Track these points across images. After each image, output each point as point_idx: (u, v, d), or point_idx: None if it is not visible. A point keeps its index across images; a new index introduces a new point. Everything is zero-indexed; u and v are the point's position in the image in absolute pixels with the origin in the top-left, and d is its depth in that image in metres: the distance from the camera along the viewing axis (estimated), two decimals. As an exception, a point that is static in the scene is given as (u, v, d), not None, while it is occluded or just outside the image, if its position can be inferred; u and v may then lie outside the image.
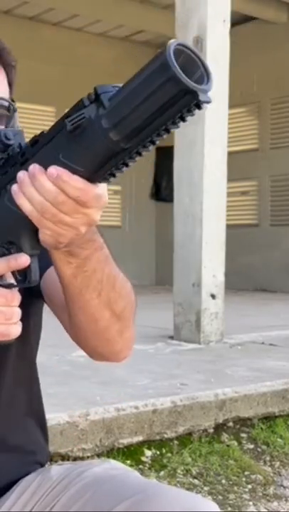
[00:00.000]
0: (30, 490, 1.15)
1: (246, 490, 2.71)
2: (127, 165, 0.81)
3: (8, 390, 1.17)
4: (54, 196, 0.82)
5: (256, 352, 4.46)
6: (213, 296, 4.78)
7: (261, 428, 3.19)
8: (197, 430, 3.01)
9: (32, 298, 1.14)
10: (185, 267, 4.86)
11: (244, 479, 2.78)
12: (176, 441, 2.92)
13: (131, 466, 2.63)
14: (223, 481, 2.74)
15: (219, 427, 3.10)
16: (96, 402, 2.78)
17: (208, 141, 4.74)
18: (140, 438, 2.80)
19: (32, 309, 1.17)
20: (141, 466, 2.72)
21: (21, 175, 0.85)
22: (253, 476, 2.81)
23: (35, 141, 0.86)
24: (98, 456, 2.67)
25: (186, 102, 0.74)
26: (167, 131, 0.77)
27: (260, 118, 10.76)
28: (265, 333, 5.25)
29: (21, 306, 1.04)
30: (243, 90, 10.03)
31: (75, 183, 0.81)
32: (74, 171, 0.81)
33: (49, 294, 1.13)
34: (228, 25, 4.89)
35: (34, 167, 0.83)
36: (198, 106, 0.75)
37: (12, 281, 0.94)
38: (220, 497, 2.60)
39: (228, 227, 5.09)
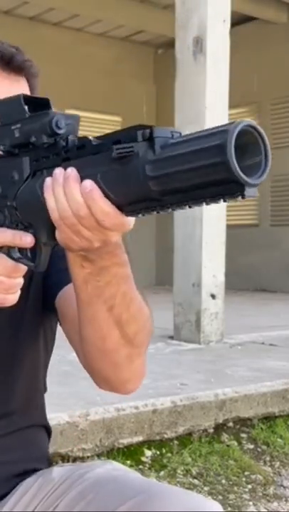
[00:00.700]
0: (32, 492, 1.14)
1: (246, 490, 2.71)
2: (158, 212, 0.80)
3: (16, 390, 1.17)
4: (78, 208, 0.82)
5: (256, 352, 4.46)
6: (213, 296, 4.78)
7: (261, 428, 3.19)
8: (197, 430, 3.01)
9: (45, 311, 1.14)
10: (185, 267, 4.86)
11: (244, 479, 2.78)
12: (176, 442, 2.92)
13: (131, 466, 2.63)
14: (223, 481, 2.74)
15: (219, 427, 3.10)
16: (96, 402, 2.78)
17: (208, 141, 4.74)
18: (140, 438, 2.80)
19: (46, 322, 1.16)
20: (141, 466, 2.72)
21: (58, 172, 0.84)
22: (253, 476, 2.81)
23: (82, 144, 0.85)
24: (98, 456, 2.67)
25: (232, 190, 0.72)
26: (206, 202, 0.76)
27: (260, 118, 10.75)
28: (265, 333, 5.25)
29: (33, 320, 1.05)
30: (243, 90, 10.03)
31: (104, 205, 0.81)
32: (106, 195, 0.80)
33: (63, 312, 1.12)
34: (228, 25, 4.88)
35: (72, 171, 0.83)
36: (243, 196, 0.73)
37: (19, 255, 0.94)
38: (220, 497, 2.60)
39: (228, 227, 5.08)
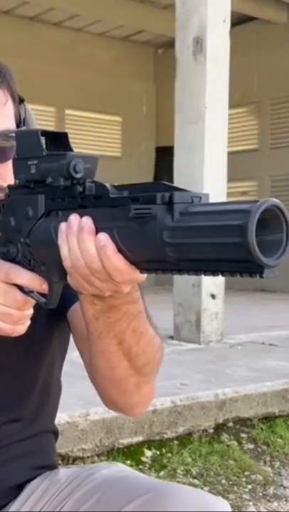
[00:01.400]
0: (38, 493, 1.14)
1: (246, 490, 2.71)
2: (173, 273, 0.79)
3: (34, 397, 1.17)
4: (91, 261, 0.81)
5: (256, 352, 4.46)
6: (213, 296, 4.78)
7: (261, 428, 3.19)
8: (197, 430, 3.01)
9: (59, 317, 1.14)
10: (185, 267, 4.85)
11: (244, 479, 2.78)
12: (176, 442, 2.92)
13: (131, 466, 2.63)
14: (223, 481, 2.74)
15: (219, 427, 3.10)
16: (96, 402, 2.76)
17: (209, 141, 4.74)
18: (140, 438, 2.80)
19: (60, 327, 1.16)
20: (141, 466, 2.72)
21: (73, 219, 0.83)
22: (253, 476, 2.81)
23: (99, 195, 0.83)
24: (98, 456, 2.67)
25: (250, 269, 0.71)
26: (222, 274, 0.74)
27: (260, 118, 10.76)
28: (265, 333, 5.25)
29: (47, 326, 1.07)
30: (243, 90, 10.03)
31: (117, 262, 0.80)
32: (121, 251, 0.80)
33: (74, 325, 1.12)
34: (228, 25, 4.88)
35: (87, 221, 0.81)
36: (261, 277, 0.72)
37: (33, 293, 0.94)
38: (220, 497, 2.60)
39: (228, 227, 5.07)
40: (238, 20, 9.43)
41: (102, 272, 0.81)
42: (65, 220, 0.84)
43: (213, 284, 4.78)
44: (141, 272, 0.82)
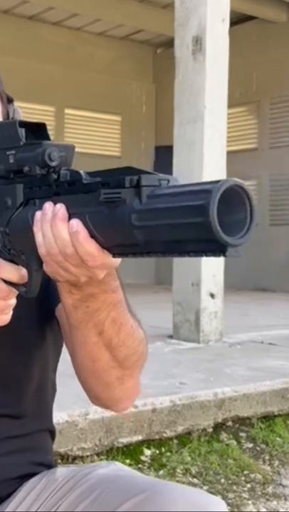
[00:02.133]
0: (36, 491, 1.14)
1: (245, 489, 2.71)
2: (143, 256, 0.80)
3: (30, 395, 1.17)
4: (65, 246, 0.83)
5: (255, 351, 4.47)
6: (212, 296, 4.78)
7: (260, 427, 3.19)
8: (196, 429, 3.01)
9: (49, 320, 1.15)
10: (184, 267, 4.86)
11: (243, 478, 2.79)
12: (175, 441, 2.93)
13: (130, 465, 2.63)
14: (223, 480, 2.74)
15: (218, 426, 3.11)
16: (95, 401, 2.78)
17: (208, 140, 4.74)
18: (139, 437, 2.80)
19: (52, 324, 1.17)
20: (140, 466, 2.73)
21: (47, 206, 0.85)
22: (252, 475, 2.81)
23: (72, 181, 0.86)
24: (97, 455, 2.67)
25: (213, 248, 0.73)
26: (188, 255, 0.76)
27: (259, 117, 10.76)
28: (265, 333, 5.25)
29: (39, 324, 1.08)
30: (242, 90, 10.04)
31: (89, 247, 0.81)
32: (93, 236, 0.81)
33: (61, 323, 1.13)
34: (228, 24, 4.89)
35: (60, 208, 0.83)
36: (224, 256, 0.73)
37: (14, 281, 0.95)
38: (219, 496, 2.60)
39: (228, 226, 5.08)
40: (238, 20, 9.44)
41: (75, 257, 0.83)
42: (41, 208, 0.86)
43: (212, 283, 4.78)
44: (113, 257, 0.83)
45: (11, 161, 0.91)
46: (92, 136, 11.25)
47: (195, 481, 2.71)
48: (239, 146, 10.39)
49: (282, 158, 10.35)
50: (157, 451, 2.84)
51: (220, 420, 3.10)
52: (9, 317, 0.97)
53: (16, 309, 0.97)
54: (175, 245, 0.75)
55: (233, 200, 0.73)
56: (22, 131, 0.91)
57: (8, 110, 1.11)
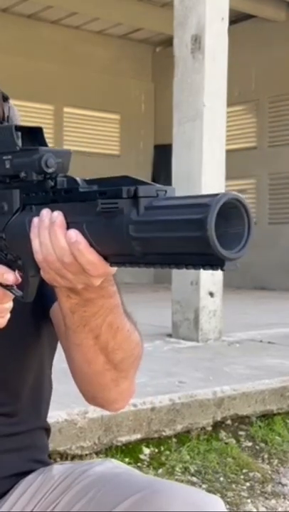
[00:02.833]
0: (32, 490, 1.14)
1: (244, 488, 2.71)
2: (140, 267, 0.80)
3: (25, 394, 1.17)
4: (62, 254, 0.83)
5: (254, 350, 4.47)
6: (211, 294, 4.78)
7: (259, 426, 3.19)
8: (195, 428, 3.01)
9: (44, 318, 1.15)
10: (183, 265, 4.86)
11: (242, 477, 2.79)
12: (174, 439, 2.93)
13: (129, 463, 2.63)
14: (222, 479, 2.74)
15: (217, 425, 3.11)
16: (94, 400, 2.78)
17: (207, 139, 4.74)
18: (138, 436, 2.80)
19: (45, 327, 1.17)
20: (139, 464, 2.73)
21: (44, 213, 0.85)
22: (251, 474, 2.82)
23: (69, 189, 0.85)
24: (96, 454, 2.67)
25: (211, 262, 0.73)
26: (186, 268, 0.76)
27: (258, 116, 10.76)
28: (264, 331, 5.25)
29: (34, 322, 1.08)
30: (241, 88, 10.03)
31: (90, 256, 0.81)
32: (91, 245, 0.81)
33: (55, 323, 1.13)
34: (227, 23, 4.88)
35: (58, 216, 0.83)
36: (222, 269, 0.73)
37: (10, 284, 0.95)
38: (218, 495, 2.60)
39: (227, 225, 5.08)
40: (237, 18, 9.43)
41: (74, 266, 0.83)
42: (38, 214, 0.86)
43: (211, 282, 4.78)
44: (111, 265, 0.83)
45: (7, 166, 0.90)
46: (91, 135, 11.25)
47: (194, 479, 2.71)
48: (238, 145, 10.39)
49: (281, 157, 10.36)
50: (156, 450, 2.85)
51: (219, 419, 3.10)
52: (6, 320, 0.97)
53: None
54: (172, 258, 0.75)
55: (231, 213, 0.73)
56: (18, 136, 0.90)
57: (4, 108, 1.11)
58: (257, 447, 3.07)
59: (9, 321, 0.98)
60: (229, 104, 5.08)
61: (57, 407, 2.58)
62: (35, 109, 10.40)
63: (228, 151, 5.00)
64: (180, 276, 4.90)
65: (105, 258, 0.82)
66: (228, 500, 2.59)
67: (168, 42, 8.96)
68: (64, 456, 2.58)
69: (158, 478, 1.15)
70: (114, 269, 0.85)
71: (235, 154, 9.31)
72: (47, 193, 0.87)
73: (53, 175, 0.87)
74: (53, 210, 0.84)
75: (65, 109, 11.16)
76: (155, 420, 2.85)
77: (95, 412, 2.65)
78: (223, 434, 3.09)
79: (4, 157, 0.90)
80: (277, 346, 4.60)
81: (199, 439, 2.98)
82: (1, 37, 9.74)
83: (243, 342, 4.78)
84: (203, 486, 2.66)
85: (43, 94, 10.48)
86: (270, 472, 2.87)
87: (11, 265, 0.93)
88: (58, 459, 2.53)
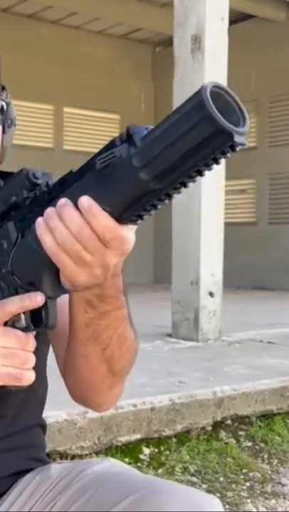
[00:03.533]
0: (29, 489, 1.13)
1: (244, 488, 2.71)
2: (155, 207, 0.78)
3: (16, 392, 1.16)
4: (80, 229, 0.80)
5: (254, 350, 4.47)
6: (211, 294, 4.78)
7: (259, 426, 3.19)
8: (195, 428, 3.01)
9: None
10: (183, 265, 4.86)
11: (242, 477, 2.79)
12: (174, 439, 2.93)
13: (129, 463, 2.63)
14: (221, 479, 2.74)
15: (217, 425, 3.11)
16: (94, 400, 2.78)
17: (207, 139, 4.74)
18: (138, 436, 2.80)
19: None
20: (139, 464, 2.73)
21: (49, 209, 0.82)
22: (251, 474, 2.82)
23: (63, 180, 0.84)
24: (96, 454, 2.67)
25: (221, 143, 0.72)
26: (199, 173, 0.75)
27: (258, 116, 10.76)
28: (264, 331, 5.26)
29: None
30: (241, 88, 10.00)
31: (104, 218, 0.79)
32: (103, 209, 0.79)
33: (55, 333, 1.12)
34: (227, 23, 4.88)
35: (62, 200, 0.81)
36: (233, 148, 0.72)
37: (25, 324, 0.91)
38: (218, 495, 2.60)
39: (226, 225, 5.09)
40: (236, 18, 9.43)
41: (91, 238, 0.80)
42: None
43: (211, 282, 4.78)
44: (128, 223, 0.80)
45: None
46: (91, 135, 11.23)
47: (194, 479, 2.71)
48: (238, 145, 10.39)
49: (281, 157, 10.36)
50: (156, 450, 2.85)
51: (219, 419, 3.10)
52: (33, 375, 0.93)
53: None
54: (183, 165, 0.73)
55: (223, 107, 0.72)
56: None
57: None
58: (257, 447, 3.07)
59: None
60: (229, 104, 5.08)
61: (57, 406, 2.58)
62: (35, 109, 10.40)
63: (228, 151, 4.99)
64: (180, 276, 4.90)
65: (118, 219, 0.79)
66: (228, 500, 2.59)
67: (168, 42, 8.95)
68: (64, 456, 2.58)
69: (157, 478, 1.14)
70: (131, 238, 0.82)
71: (235, 154, 9.22)
72: (42, 201, 0.85)
73: (43, 183, 0.86)
74: (54, 206, 0.82)
75: (65, 109, 11.16)
76: (155, 420, 2.85)
77: (94, 412, 2.65)
78: (223, 434, 3.09)
79: None
80: (277, 346, 4.60)
81: (199, 439, 2.98)
82: (1, 37, 9.74)
83: (243, 342, 4.78)
84: (203, 486, 2.66)
85: (43, 94, 10.48)
86: (269, 472, 2.87)
87: None
88: (58, 459, 2.53)
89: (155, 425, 2.85)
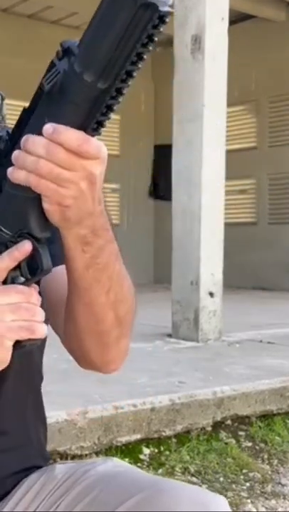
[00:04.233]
0: (34, 489, 1.13)
1: (244, 488, 2.71)
2: (111, 108, 0.81)
3: (12, 387, 1.16)
4: (47, 149, 0.81)
5: (254, 350, 4.47)
6: (211, 294, 4.78)
7: (259, 426, 3.19)
8: (195, 428, 3.01)
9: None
10: (183, 265, 4.86)
11: (242, 477, 2.79)
12: (174, 439, 2.93)
13: (129, 464, 2.63)
14: (221, 479, 2.75)
15: (217, 425, 3.11)
16: (94, 400, 2.78)
17: (207, 139, 4.74)
18: (138, 436, 2.80)
19: None
20: (139, 464, 2.73)
21: (14, 152, 0.84)
22: (251, 474, 2.82)
23: (20, 121, 0.86)
24: (96, 454, 2.67)
25: (149, 17, 0.74)
26: (140, 57, 0.77)
27: (258, 116, 10.75)
28: (264, 331, 5.26)
29: None
30: (241, 88, 10.02)
31: (73, 133, 0.80)
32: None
33: (47, 292, 1.09)
34: (227, 23, 4.88)
35: (23, 138, 0.82)
36: (162, 19, 0.74)
37: (25, 275, 0.92)
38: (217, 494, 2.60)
39: (227, 225, 5.09)
40: (237, 19, 9.42)
41: (63, 153, 0.81)
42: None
43: (211, 282, 4.78)
44: (93, 132, 0.82)
45: None
46: (91, 135, 11.24)
47: (194, 479, 2.71)
48: (238, 145, 10.39)
49: (281, 157, 10.35)
50: (156, 450, 2.85)
51: (219, 419, 3.10)
52: (45, 329, 0.92)
53: None
54: (122, 54, 0.76)
55: None
56: None
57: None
58: (257, 447, 3.07)
59: None
60: (229, 104, 5.08)
61: (57, 407, 2.58)
62: (35, 109, 10.40)
63: (228, 151, 5.00)
64: (180, 276, 4.90)
65: (85, 129, 0.81)
66: (228, 500, 2.58)
67: (168, 42, 8.94)
68: (64, 456, 2.58)
69: (162, 478, 1.14)
70: (102, 146, 0.84)
71: (236, 154, 9.30)
72: (7, 154, 0.86)
73: (3, 135, 0.89)
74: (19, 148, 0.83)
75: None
76: (155, 420, 2.85)
77: (94, 412, 2.66)
78: (223, 434, 3.09)
79: None
80: (277, 346, 4.60)
81: (199, 439, 2.98)
82: (1, 37, 9.73)
83: (243, 342, 4.78)
84: (203, 486, 2.66)
85: None
86: (270, 472, 2.87)
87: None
88: (58, 459, 2.53)
89: (155, 425, 2.85)
